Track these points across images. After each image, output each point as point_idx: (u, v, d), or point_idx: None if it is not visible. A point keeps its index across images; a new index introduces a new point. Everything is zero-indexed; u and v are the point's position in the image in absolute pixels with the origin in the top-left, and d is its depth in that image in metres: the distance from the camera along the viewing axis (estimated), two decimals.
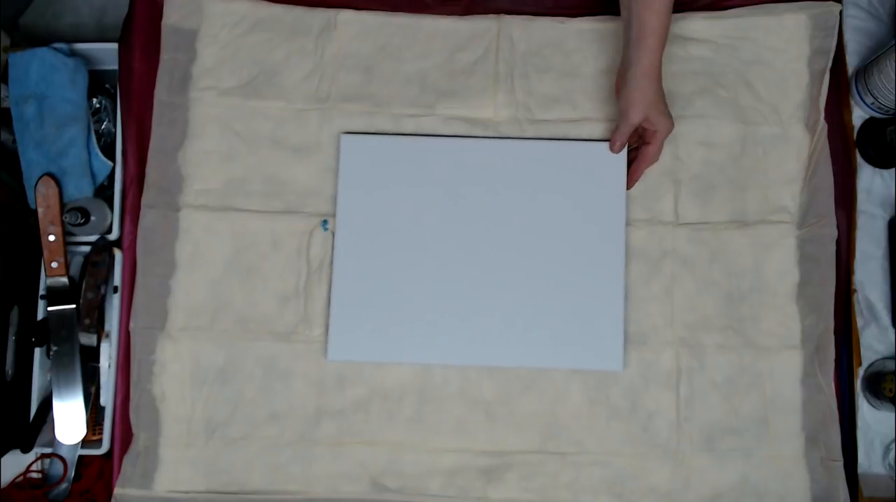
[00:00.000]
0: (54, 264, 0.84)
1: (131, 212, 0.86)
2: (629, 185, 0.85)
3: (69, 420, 0.83)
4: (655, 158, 0.83)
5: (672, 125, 0.80)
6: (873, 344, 0.87)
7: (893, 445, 0.86)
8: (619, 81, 0.80)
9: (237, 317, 0.85)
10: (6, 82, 0.87)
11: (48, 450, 0.84)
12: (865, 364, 0.87)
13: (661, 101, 0.79)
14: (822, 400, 0.83)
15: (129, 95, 0.88)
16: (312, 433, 0.83)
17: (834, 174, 0.85)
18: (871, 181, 0.89)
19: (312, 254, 0.86)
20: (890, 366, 0.85)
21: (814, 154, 0.86)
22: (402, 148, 0.86)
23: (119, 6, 0.91)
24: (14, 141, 0.87)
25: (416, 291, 0.84)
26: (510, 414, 0.84)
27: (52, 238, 0.84)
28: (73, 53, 0.87)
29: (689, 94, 0.87)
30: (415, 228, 0.85)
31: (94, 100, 0.90)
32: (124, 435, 0.83)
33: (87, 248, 0.86)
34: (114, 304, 0.86)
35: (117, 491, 0.82)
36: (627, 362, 0.84)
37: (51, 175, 0.85)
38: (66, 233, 0.85)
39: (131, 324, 0.84)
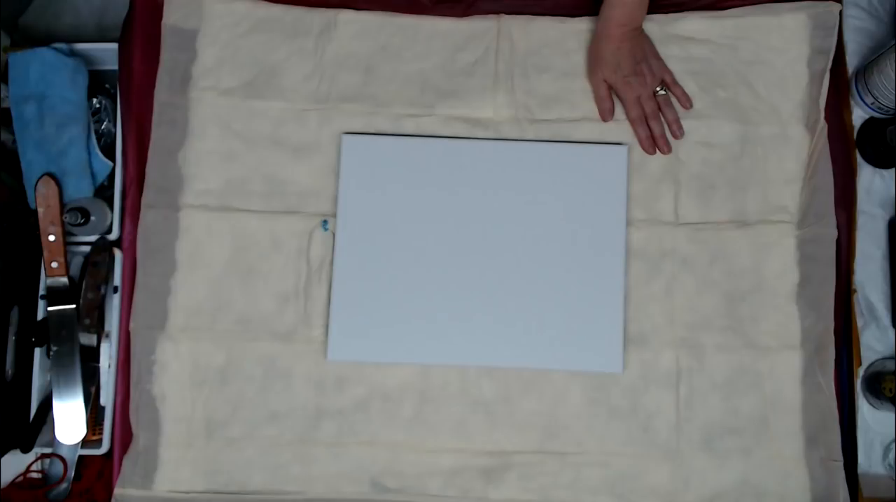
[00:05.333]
0: (54, 264, 0.84)
1: (131, 212, 0.86)
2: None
3: (69, 420, 0.83)
4: (633, 116, 0.86)
5: (632, 89, 0.84)
6: (873, 344, 0.87)
7: (893, 445, 0.86)
8: None
9: (237, 317, 0.85)
10: (6, 82, 0.87)
11: (48, 450, 0.84)
12: (865, 364, 0.87)
13: (614, 63, 0.84)
14: (822, 400, 0.83)
15: (129, 95, 0.88)
16: (312, 433, 0.83)
17: (834, 174, 0.85)
18: (871, 181, 0.89)
19: (312, 254, 0.86)
20: (890, 365, 0.85)
21: (814, 154, 0.86)
22: (404, 148, 0.86)
23: (119, 6, 0.91)
24: (14, 141, 0.87)
25: (416, 292, 0.84)
26: (510, 414, 0.84)
27: (52, 238, 0.84)
28: (73, 53, 0.87)
29: (689, 94, 0.87)
30: (415, 229, 0.85)
31: (94, 100, 0.90)
32: (124, 435, 0.83)
33: (87, 248, 0.86)
34: (114, 304, 0.86)
35: (117, 491, 0.82)
36: (627, 362, 0.84)
37: (51, 175, 0.85)
38: (66, 233, 0.85)
39: (131, 324, 0.84)
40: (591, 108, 0.88)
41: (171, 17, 0.88)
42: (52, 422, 0.84)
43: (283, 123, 0.88)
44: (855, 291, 0.87)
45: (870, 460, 0.86)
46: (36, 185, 0.85)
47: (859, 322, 0.87)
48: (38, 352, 0.86)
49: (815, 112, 0.86)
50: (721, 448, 0.83)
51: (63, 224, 0.84)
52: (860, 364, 0.86)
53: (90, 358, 0.85)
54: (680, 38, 0.89)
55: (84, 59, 0.88)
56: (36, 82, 0.86)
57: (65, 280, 0.85)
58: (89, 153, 0.87)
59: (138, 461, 0.82)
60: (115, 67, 0.89)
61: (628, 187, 0.86)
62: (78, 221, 0.83)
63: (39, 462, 0.85)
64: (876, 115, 0.90)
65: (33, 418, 0.85)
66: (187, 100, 0.88)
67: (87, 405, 0.84)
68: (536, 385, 0.84)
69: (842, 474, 0.81)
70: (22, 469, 0.85)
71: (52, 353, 0.84)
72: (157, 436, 0.83)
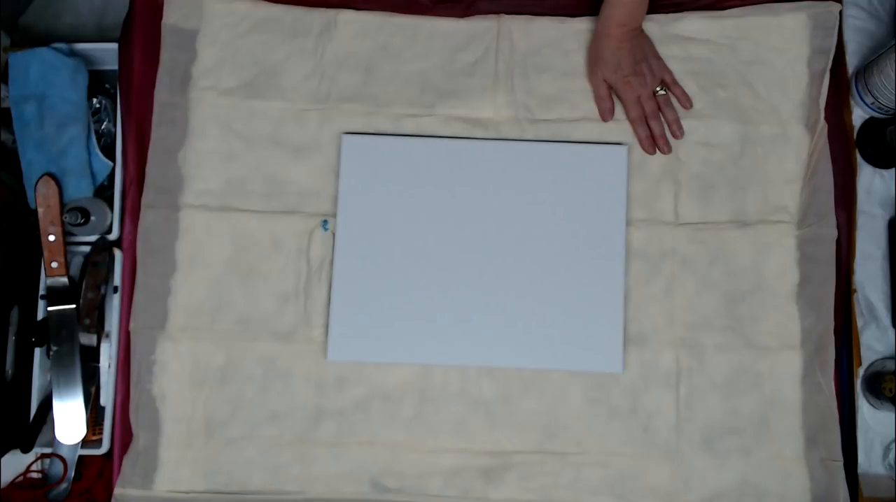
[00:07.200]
0: (54, 264, 0.84)
1: (131, 212, 0.86)
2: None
3: (69, 420, 0.83)
4: (633, 116, 0.86)
5: (632, 89, 0.84)
6: (873, 344, 0.87)
7: (893, 445, 0.86)
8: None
9: (237, 317, 0.85)
10: (6, 82, 0.87)
11: (48, 450, 0.84)
12: (865, 364, 0.87)
13: (614, 63, 0.84)
14: (822, 400, 0.83)
15: (129, 95, 0.88)
16: (312, 433, 0.83)
17: (834, 174, 0.85)
18: (871, 181, 0.89)
19: (312, 254, 0.86)
20: (890, 365, 0.85)
21: (814, 154, 0.86)
22: (404, 148, 0.86)
23: (119, 6, 0.91)
24: (14, 141, 0.87)
25: (416, 292, 0.84)
26: (510, 414, 0.84)
27: (52, 238, 0.84)
28: (73, 53, 0.87)
29: (689, 94, 0.87)
30: (415, 229, 0.85)
31: (94, 100, 0.90)
32: (124, 435, 0.83)
33: (87, 248, 0.86)
34: (114, 304, 0.86)
35: (117, 491, 0.82)
36: (627, 362, 0.84)
37: (51, 175, 0.85)
38: (66, 233, 0.85)
39: (131, 324, 0.84)
40: (591, 108, 0.88)
41: (171, 17, 0.88)
42: (52, 422, 0.84)
43: (283, 123, 0.88)
44: (855, 291, 0.87)
45: (870, 460, 0.86)
46: (36, 185, 0.84)
47: (859, 322, 0.87)
48: (38, 352, 0.86)
49: (815, 112, 0.86)
50: (721, 448, 0.83)
51: (63, 224, 0.84)
52: (860, 364, 0.86)
53: (90, 358, 0.85)
54: (680, 38, 0.89)
55: (84, 59, 0.88)
56: (36, 82, 0.86)
57: (65, 280, 0.85)
58: (89, 153, 0.87)
59: (138, 461, 0.82)
60: (115, 67, 0.89)
61: (628, 187, 0.86)
62: (78, 221, 0.83)
63: (39, 462, 0.85)
64: (876, 115, 0.90)
65: (33, 418, 0.85)
66: (187, 100, 0.88)
67: (87, 405, 0.84)
68: (536, 385, 0.84)
69: (842, 474, 0.81)
70: (22, 469, 0.85)
71: (52, 353, 0.84)
72: (157, 436, 0.83)
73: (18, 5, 0.95)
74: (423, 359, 0.84)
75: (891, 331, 0.88)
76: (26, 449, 0.83)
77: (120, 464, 0.83)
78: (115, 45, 0.88)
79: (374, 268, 0.84)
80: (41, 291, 0.85)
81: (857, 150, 0.89)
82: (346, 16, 0.89)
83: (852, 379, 0.85)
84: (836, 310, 0.84)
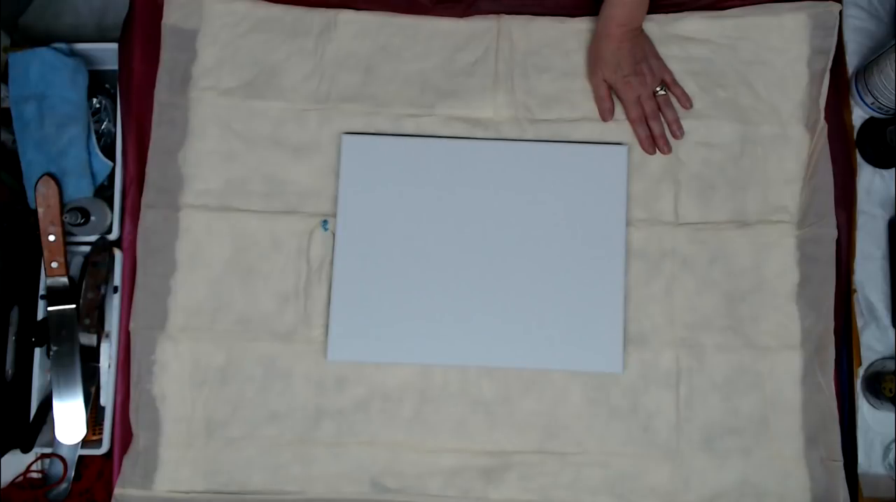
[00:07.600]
0: (54, 264, 0.84)
1: (131, 212, 0.86)
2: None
3: (69, 420, 0.83)
4: (633, 116, 0.86)
5: (632, 89, 0.84)
6: (873, 344, 0.87)
7: (893, 445, 0.86)
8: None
9: (237, 317, 0.85)
10: (6, 82, 0.87)
11: (48, 450, 0.84)
12: (865, 364, 0.87)
13: (614, 63, 0.84)
14: (822, 400, 0.83)
15: (129, 95, 0.88)
16: (312, 433, 0.83)
17: (834, 174, 0.85)
18: (871, 181, 0.89)
19: (312, 254, 0.86)
20: (890, 365, 0.85)
21: (814, 154, 0.86)
22: (404, 148, 0.86)
23: (119, 6, 0.91)
24: (14, 141, 0.87)
25: (416, 292, 0.84)
26: (510, 414, 0.84)
27: (52, 238, 0.84)
28: (73, 53, 0.87)
29: (689, 94, 0.87)
30: (415, 229, 0.85)
31: (94, 100, 0.90)
32: (124, 435, 0.83)
33: (87, 248, 0.86)
34: (114, 304, 0.86)
35: (117, 491, 0.82)
36: (627, 362, 0.84)
37: (51, 175, 0.85)
38: (66, 233, 0.85)
39: (131, 324, 0.84)
40: (591, 108, 0.88)
41: (171, 17, 0.88)
42: (52, 422, 0.84)
43: (283, 123, 0.88)
44: (855, 291, 0.87)
45: (870, 460, 0.86)
46: (36, 185, 0.85)
47: (859, 322, 0.87)
48: (38, 352, 0.86)
49: (815, 112, 0.86)
50: (721, 448, 0.83)
51: (63, 224, 0.84)
52: (860, 364, 0.86)
53: (90, 358, 0.85)
54: (680, 38, 0.89)
55: (84, 59, 0.88)
56: (36, 82, 0.86)
57: (65, 280, 0.85)
58: (89, 153, 0.87)
59: (138, 461, 0.82)
60: (115, 67, 0.89)
61: (628, 187, 0.86)
62: (78, 221, 0.83)
63: (39, 462, 0.85)
64: (876, 114, 0.90)
65: (33, 418, 0.85)
66: (187, 100, 0.88)
67: (87, 405, 0.84)
68: (536, 385, 0.84)
69: (842, 474, 0.81)
70: (22, 469, 0.85)
71: (52, 353, 0.84)
72: (157, 436, 0.83)
73: (18, 5, 0.96)
74: (423, 359, 0.84)
75: (891, 331, 0.88)
76: (26, 449, 0.83)
77: (120, 464, 0.83)
78: (115, 45, 0.88)
79: (374, 268, 0.84)
80: (41, 291, 0.85)
81: (857, 150, 0.89)
82: (346, 16, 0.89)
83: (852, 379, 0.85)
84: (836, 310, 0.84)
